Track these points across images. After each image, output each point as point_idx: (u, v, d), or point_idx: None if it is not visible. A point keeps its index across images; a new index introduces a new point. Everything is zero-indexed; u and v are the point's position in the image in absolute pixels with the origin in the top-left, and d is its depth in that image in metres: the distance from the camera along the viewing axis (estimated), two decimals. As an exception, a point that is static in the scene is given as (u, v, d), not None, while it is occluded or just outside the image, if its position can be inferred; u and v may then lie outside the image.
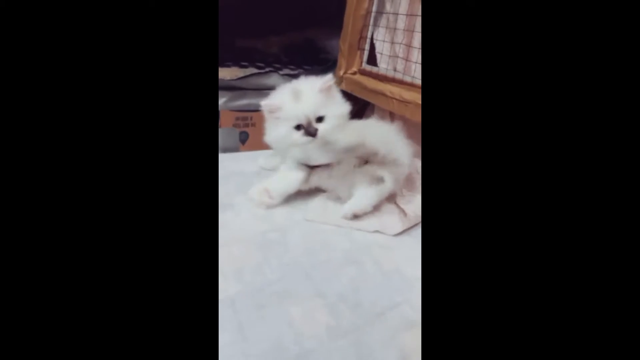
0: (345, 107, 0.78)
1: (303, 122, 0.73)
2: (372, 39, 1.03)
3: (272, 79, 1.06)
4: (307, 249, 0.63)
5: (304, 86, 0.75)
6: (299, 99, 0.73)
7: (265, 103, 0.75)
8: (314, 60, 1.28)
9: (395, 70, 0.94)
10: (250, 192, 0.76)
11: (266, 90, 1.06)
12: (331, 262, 0.60)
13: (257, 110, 1.07)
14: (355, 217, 0.70)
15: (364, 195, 0.70)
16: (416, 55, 0.87)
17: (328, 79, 0.75)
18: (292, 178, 0.75)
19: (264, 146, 1.16)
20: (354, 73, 1.08)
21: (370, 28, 1.02)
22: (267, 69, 1.10)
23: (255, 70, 1.09)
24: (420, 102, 0.77)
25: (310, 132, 0.73)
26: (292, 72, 1.12)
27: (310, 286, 0.54)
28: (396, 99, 0.84)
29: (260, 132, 1.16)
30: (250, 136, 1.09)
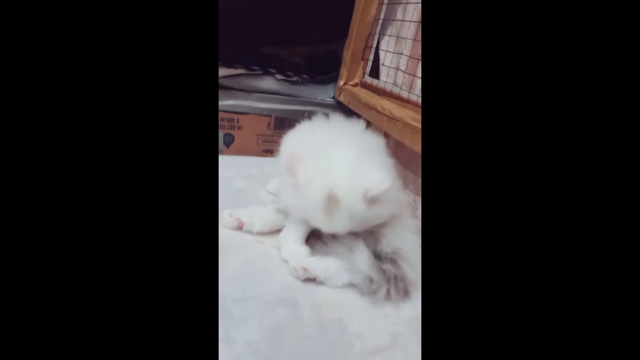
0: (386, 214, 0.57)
1: None
2: (377, 48, 0.94)
3: (266, 81, 0.99)
4: (239, 278, 0.53)
5: (342, 187, 0.50)
6: (333, 210, 0.51)
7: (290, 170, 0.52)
8: (332, 71, 1.20)
9: (394, 83, 0.83)
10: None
11: (258, 93, 1.00)
12: (261, 298, 0.50)
13: (245, 113, 1.00)
14: (306, 273, 0.54)
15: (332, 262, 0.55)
16: (421, 69, 0.76)
17: (379, 183, 0.50)
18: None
19: (249, 152, 1.09)
20: (355, 85, 0.98)
21: (376, 37, 0.93)
22: (269, 73, 1.03)
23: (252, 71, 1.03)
24: (408, 121, 0.66)
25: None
26: (290, 79, 1.04)
27: (221, 326, 0.44)
28: (386, 116, 0.73)
29: (248, 137, 1.09)
30: (235, 140, 1.02)
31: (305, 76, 1.16)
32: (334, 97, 1.06)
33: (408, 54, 0.79)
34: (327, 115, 0.67)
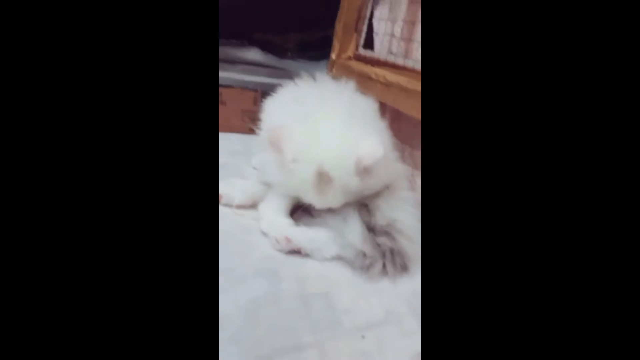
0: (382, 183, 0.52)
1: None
2: (370, 19, 0.88)
3: (252, 52, 0.92)
4: (212, 248, 0.47)
5: (332, 161, 0.45)
6: (326, 187, 0.46)
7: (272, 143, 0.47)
8: (326, 55, 1.14)
9: (389, 52, 0.78)
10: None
11: (242, 64, 0.93)
12: (235, 271, 0.44)
13: (228, 85, 0.94)
14: (289, 244, 0.48)
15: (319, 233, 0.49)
16: (418, 33, 0.70)
17: (371, 151, 0.44)
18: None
19: (234, 129, 1.02)
20: (349, 58, 0.92)
21: (370, 6, 0.87)
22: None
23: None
24: (404, 85, 0.60)
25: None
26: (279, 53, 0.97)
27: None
28: (380, 82, 0.68)
29: (232, 113, 1.02)
30: (218, 116, 0.95)
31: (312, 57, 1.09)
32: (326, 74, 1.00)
33: (403, 19, 0.74)
34: (313, 76, 0.61)
